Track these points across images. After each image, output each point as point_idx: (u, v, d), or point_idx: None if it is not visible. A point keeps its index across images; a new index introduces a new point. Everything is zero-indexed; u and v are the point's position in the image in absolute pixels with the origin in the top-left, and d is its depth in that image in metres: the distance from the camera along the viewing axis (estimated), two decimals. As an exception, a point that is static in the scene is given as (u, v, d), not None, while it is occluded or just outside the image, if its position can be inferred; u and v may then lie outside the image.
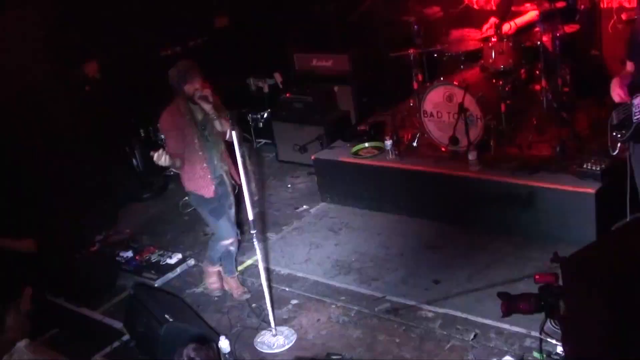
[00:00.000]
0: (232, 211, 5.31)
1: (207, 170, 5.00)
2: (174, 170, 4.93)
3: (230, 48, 8.56)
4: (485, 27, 6.59)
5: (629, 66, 4.54)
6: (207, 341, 4.49)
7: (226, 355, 4.63)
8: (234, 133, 4.69)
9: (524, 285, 5.05)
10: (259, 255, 4.95)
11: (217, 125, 4.83)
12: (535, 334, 4.39)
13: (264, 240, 6.27)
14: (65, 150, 6.46)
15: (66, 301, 5.86)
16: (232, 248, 5.42)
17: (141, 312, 4.91)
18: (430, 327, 4.80)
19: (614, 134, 4.57)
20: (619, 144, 4.63)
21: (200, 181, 5.01)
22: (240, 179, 4.81)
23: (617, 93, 4.46)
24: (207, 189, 5.04)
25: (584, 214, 5.26)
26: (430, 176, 6.06)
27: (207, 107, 4.77)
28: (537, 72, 6.24)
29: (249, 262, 6.02)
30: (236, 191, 5.13)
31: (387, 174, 6.32)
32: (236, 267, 5.64)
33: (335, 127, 7.23)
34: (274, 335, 4.97)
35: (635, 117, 4.35)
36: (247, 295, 5.46)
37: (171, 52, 8.06)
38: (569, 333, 3.77)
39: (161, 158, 4.52)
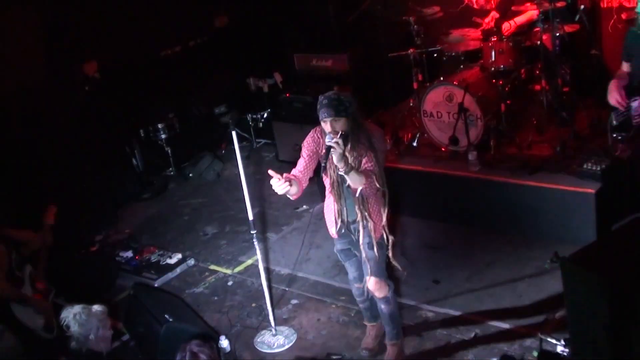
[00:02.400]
0: (366, 266, 4.35)
1: (334, 209, 4.32)
2: (289, 195, 4.09)
3: (230, 48, 8.56)
4: (486, 20, 6.58)
5: (625, 67, 4.55)
6: (208, 339, 4.49)
7: (226, 355, 4.63)
8: (233, 133, 4.70)
9: (524, 285, 5.06)
10: (259, 255, 4.95)
11: (348, 179, 3.98)
12: (535, 333, 4.39)
13: (264, 240, 6.28)
14: (65, 150, 6.46)
15: (66, 301, 5.85)
16: (367, 300, 4.65)
17: (141, 312, 4.91)
18: (430, 327, 4.80)
19: (615, 135, 4.59)
20: (620, 145, 4.65)
21: (327, 216, 4.42)
22: (382, 234, 4.26)
23: (614, 97, 4.47)
24: (330, 227, 4.42)
25: (584, 214, 5.26)
26: (430, 176, 6.06)
27: (334, 157, 3.92)
28: (537, 72, 6.25)
29: (249, 262, 6.02)
30: (373, 248, 4.27)
31: (388, 174, 6.28)
32: (373, 318, 4.77)
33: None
34: (274, 335, 4.97)
35: (634, 120, 4.36)
36: (366, 353, 4.69)
37: (171, 52, 8.07)
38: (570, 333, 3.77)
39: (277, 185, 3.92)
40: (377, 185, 4.14)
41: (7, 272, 4.78)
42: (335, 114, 3.92)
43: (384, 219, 4.25)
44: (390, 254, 4.31)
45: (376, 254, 4.27)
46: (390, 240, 4.28)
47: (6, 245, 4.91)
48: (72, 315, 3.85)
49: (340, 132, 3.90)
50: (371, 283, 4.35)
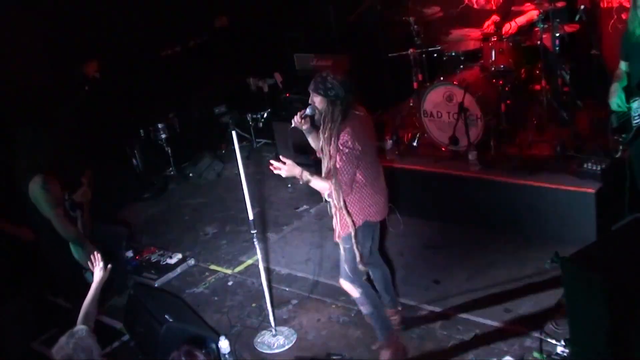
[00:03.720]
0: None
1: None
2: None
3: (230, 48, 8.56)
4: (486, 23, 6.59)
5: (623, 66, 4.55)
6: (203, 342, 4.50)
7: (226, 356, 4.63)
8: (233, 133, 4.69)
9: (524, 285, 5.06)
10: (259, 255, 4.95)
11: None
12: (535, 334, 4.39)
13: (264, 240, 6.27)
14: (64, 149, 6.45)
15: (66, 301, 5.86)
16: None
17: (141, 312, 4.91)
18: (430, 327, 4.80)
19: (615, 137, 4.60)
20: (620, 147, 4.66)
21: None
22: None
23: (615, 101, 4.48)
24: None
25: (584, 214, 5.26)
26: (430, 176, 6.06)
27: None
28: (537, 72, 6.25)
29: (249, 262, 6.02)
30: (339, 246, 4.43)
31: (387, 174, 6.28)
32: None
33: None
34: (274, 335, 4.97)
35: (635, 121, 4.37)
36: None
37: (171, 52, 8.06)
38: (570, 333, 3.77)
39: None
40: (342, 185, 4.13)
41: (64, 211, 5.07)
42: (314, 89, 4.17)
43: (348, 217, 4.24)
44: (357, 258, 4.30)
45: (342, 252, 4.38)
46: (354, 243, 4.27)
47: (61, 186, 5.11)
48: (70, 346, 3.77)
49: (305, 113, 4.23)
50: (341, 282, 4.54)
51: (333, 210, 4.31)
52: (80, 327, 3.81)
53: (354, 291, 4.47)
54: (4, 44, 5.98)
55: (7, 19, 6.08)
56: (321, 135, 4.19)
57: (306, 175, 4.12)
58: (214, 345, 4.71)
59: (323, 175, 4.24)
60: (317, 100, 4.17)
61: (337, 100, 4.10)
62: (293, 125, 4.31)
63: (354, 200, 4.26)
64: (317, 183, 4.19)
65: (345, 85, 4.12)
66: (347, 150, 4.07)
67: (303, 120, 4.28)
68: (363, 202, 4.28)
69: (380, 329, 4.56)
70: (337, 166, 4.10)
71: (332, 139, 4.12)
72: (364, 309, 4.53)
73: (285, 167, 4.07)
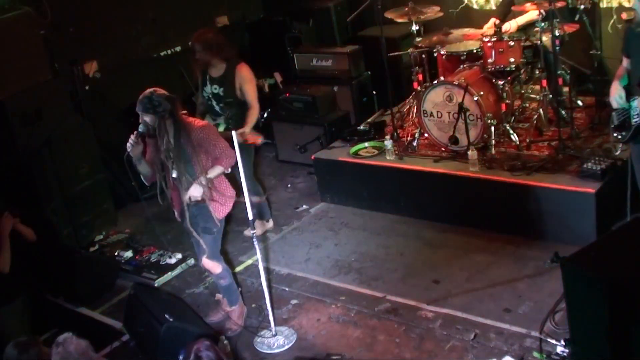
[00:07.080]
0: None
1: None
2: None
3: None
4: (485, 26, 6.60)
5: (625, 62, 4.56)
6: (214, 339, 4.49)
7: (226, 355, 4.63)
8: (233, 133, 4.69)
9: (524, 285, 5.06)
10: (259, 255, 4.95)
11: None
12: (535, 334, 4.40)
13: (263, 240, 6.27)
14: (64, 150, 6.46)
15: (66, 301, 5.86)
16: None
17: (141, 312, 4.91)
18: (430, 327, 4.81)
19: (615, 134, 4.61)
20: (620, 145, 4.66)
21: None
22: None
23: (615, 99, 4.49)
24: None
25: (584, 214, 5.26)
26: (430, 176, 6.06)
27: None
28: (537, 72, 6.25)
29: (249, 262, 6.02)
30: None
31: (387, 174, 6.32)
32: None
33: (335, 127, 7.23)
34: (274, 335, 4.97)
35: (634, 120, 4.38)
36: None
37: (171, 52, 8.06)
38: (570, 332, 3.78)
39: None
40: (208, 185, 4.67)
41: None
42: (143, 110, 4.51)
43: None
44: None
45: (210, 235, 4.92)
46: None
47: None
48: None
49: (138, 132, 4.53)
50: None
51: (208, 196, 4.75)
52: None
53: (218, 267, 5.02)
54: (3, 44, 5.97)
55: (7, 19, 6.07)
56: (162, 148, 4.57)
57: (202, 179, 4.63)
58: (226, 341, 4.74)
59: (184, 181, 4.67)
60: (148, 119, 4.52)
61: (165, 114, 4.50)
62: (129, 150, 4.55)
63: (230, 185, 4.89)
64: (213, 172, 4.69)
65: (170, 99, 4.53)
66: (214, 141, 4.64)
67: (138, 140, 4.57)
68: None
69: (233, 296, 5.17)
70: (220, 155, 4.63)
71: (181, 144, 4.55)
72: (224, 282, 5.11)
73: (195, 191, 4.63)
